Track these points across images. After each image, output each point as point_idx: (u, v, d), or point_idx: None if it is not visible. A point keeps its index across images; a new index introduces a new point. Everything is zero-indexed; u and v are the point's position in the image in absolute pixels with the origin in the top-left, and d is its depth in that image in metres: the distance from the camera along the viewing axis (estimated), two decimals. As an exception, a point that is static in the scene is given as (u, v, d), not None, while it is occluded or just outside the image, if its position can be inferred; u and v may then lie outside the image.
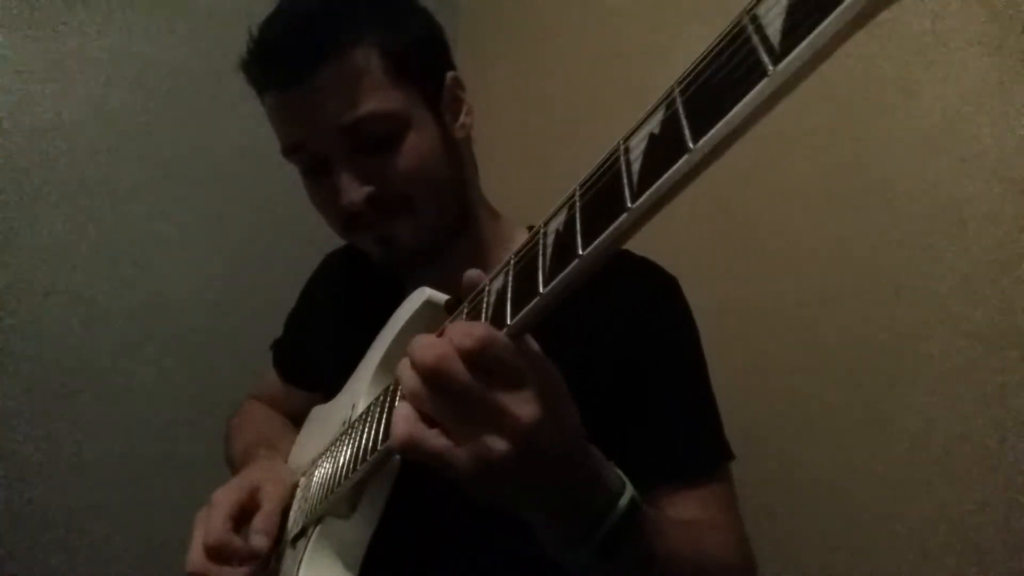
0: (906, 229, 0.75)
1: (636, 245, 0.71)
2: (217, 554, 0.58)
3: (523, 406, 0.37)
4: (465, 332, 0.37)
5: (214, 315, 1.21)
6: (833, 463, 0.81)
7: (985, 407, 0.69)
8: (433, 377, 0.37)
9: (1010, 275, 0.68)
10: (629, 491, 0.45)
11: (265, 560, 0.61)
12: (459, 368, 0.36)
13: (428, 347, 0.37)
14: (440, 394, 0.37)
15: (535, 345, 0.41)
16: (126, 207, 1.12)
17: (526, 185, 1.07)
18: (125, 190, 1.12)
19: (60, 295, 1.09)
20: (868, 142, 0.79)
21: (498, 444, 0.37)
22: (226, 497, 0.61)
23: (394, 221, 0.67)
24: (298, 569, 0.58)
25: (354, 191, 0.65)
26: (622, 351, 0.64)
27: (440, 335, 0.39)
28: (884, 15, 0.72)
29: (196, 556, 0.59)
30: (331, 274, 0.88)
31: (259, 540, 0.59)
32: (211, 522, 0.59)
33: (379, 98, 0.63)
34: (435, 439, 0.38)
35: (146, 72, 1.10)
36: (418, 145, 0.65)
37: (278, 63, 0.63)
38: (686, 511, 0.61)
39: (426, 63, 0.68)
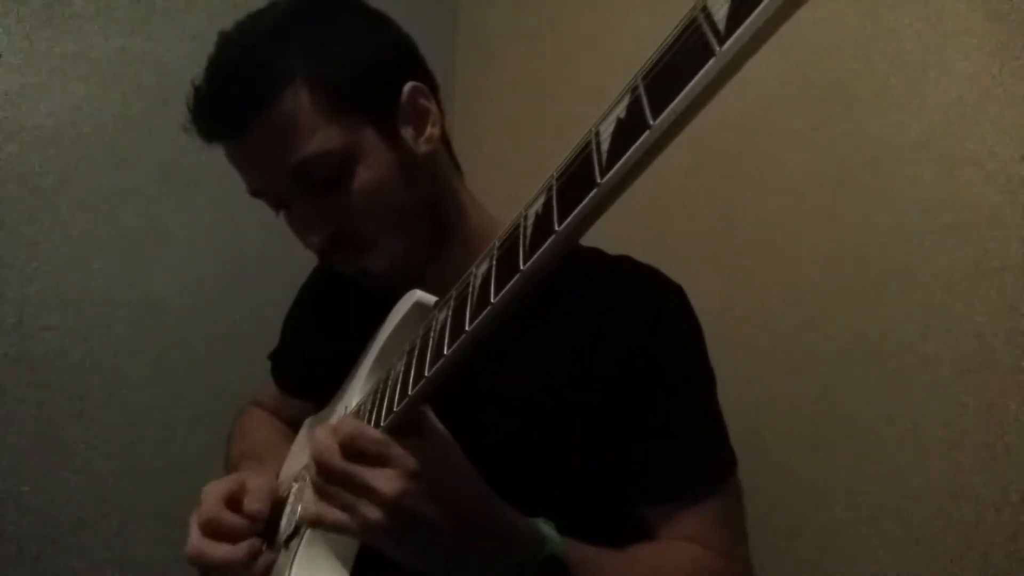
0: (906, 229, 0.78)
1: (638, 246, 0.75)
2: (213, 530, 0.62)
3: (385, 482, 0.47)
4: (336, 428, 0.50)
5: (214, 315, 1.25)
6: (832, 463, 0.83)
7: (985, 407, 0.71)
8: (319, 462, 0.50)
9: (1010, 275, 0.71)
10: (549, 547, 0.53)
11: (260, 542, 0.64)
12: (333, 456, 0.49)
13: (318, 439, 0.51)
14: (326, 474, 0.50)
15: (433, 424, 0.52)
16: (125, 207, 1.17)
17: (527, 182, 1.11)
18: (125, 191, 1.16)
19: (59, 295, 1.12)
20: (868, 142, 0.82)
21: (372, 513, 0.48)
22: (215, 487, 0.64)
23: (362, 257, 0.69)
24: (291, 568, 0.61)
25: (312, 234, 0.67)
26: (624, 360, 0.66)
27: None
28: (884, 15, 0.76)
29: (194, 539, 0.62)
30: (321, 284, 0.90)
31: (255, 506, 0.63)
32: (204, 506, 0.62)
33: (317, 139, 0.63)
34: (332, 512, 0.50)
35: (146, 72, 1.16)
36: (369, 179, 0.65)
37: (212, 121, 0.65)
38: (675, 531, 0.64)
39: (371, 84, 0.66)
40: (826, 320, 0.85)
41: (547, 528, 0.55)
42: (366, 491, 0.48)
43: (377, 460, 0.49)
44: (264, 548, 0.64)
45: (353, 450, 0.49)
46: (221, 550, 0.61)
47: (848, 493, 0.82)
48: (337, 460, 0.49)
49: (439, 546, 0.49)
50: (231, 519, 0.62)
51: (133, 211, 1.18)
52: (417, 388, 0.48)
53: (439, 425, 0.53)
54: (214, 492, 0.64)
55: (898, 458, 0.78)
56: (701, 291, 0.74)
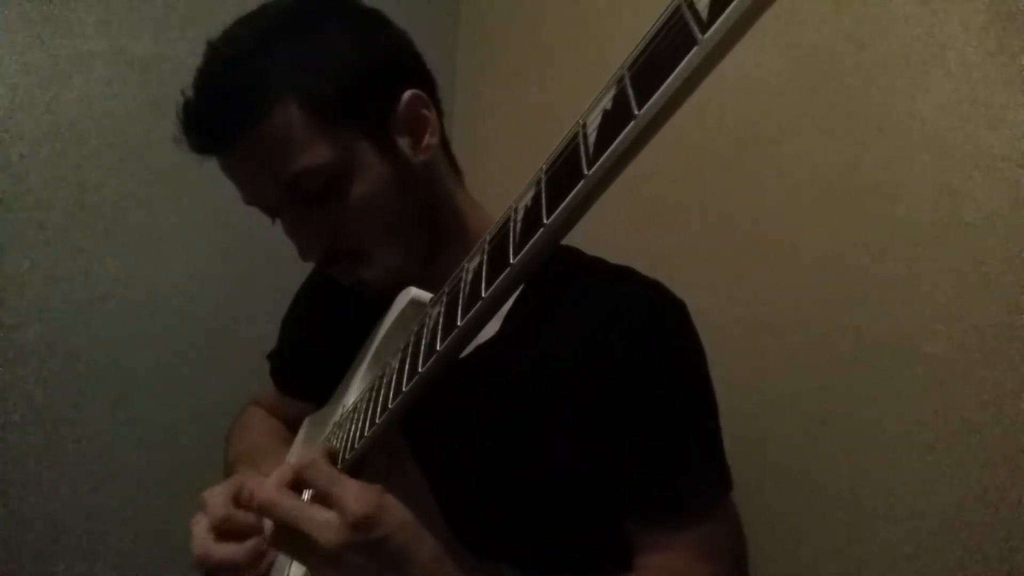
0: (905, 229, 0.78)
1: (638, 247, 0.75)
2: (224, 528, 0.61)
3: (324, 532, 0.47)
4: (296, 461, 0.51)
5: (214, 315, 1.26)
6: (832, 464, 0.83)
7: (985, 407, 0.71)
8: (262, 504, 0.51)
9: (1010, 275, 0.70)
10: None
11: (263, 540, 0.64)
12: (278, 500, 0.50)
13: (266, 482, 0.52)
14: (273, 516, 0.51)
15: (403, 464, 0.54)
16: (125, 208, 1.18)
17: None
18: (125, 190, 1.17)
19: (59, 295, 1.13)
20: (868, 142, 0.82)
21: (310, 559, 0.49)
22: (216, 490, 0.64)
23: (358, 268, 0.69)
24: (290, 567, 0.61)
25: (307, 247, 0.67)
26: (620, 372, 0.65)
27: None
28: (884, 15, 0.76)
29: (200, 539, 0.61)
30: (319, 284, 0.90)
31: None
32: (211, 508, 0.62)
33: (307, 154, 0.62)
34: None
35: (146, 72, 1.17)
36: (363, 192, 0.64)
37: (202, 136, 0.64)
38: (655, 556, 0.63)
39: (364, 95, 0.65)
40: (825, 320, 0.85)
41: (502, 571, 0.56)
42: (310, 533, 0.48)
43: (325, 498, 0.49)
44: (266, 544, 0.64)
45: (303, 482, 0.50)
46: (227, 549, 0.61)
47: (848, 494, 0.82)
48: (281, 506, 0.50)
49: None
50: (242, 516, 0.62)
51: (133, 211, 1.19)
52: (411, 385, 0.48)
53: (411, 464, 0.54)
54: (218, 494, 0.64)
55: (899, 459, 0.77)
56: (700, 291, 0.74)
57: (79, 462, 1.15)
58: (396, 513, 0.49)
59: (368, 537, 0.47)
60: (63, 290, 1.14)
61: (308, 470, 0.50)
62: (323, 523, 0.48)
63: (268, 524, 0.56)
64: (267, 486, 0.51)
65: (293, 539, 0.49)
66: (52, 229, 1.13)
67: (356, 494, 0.48)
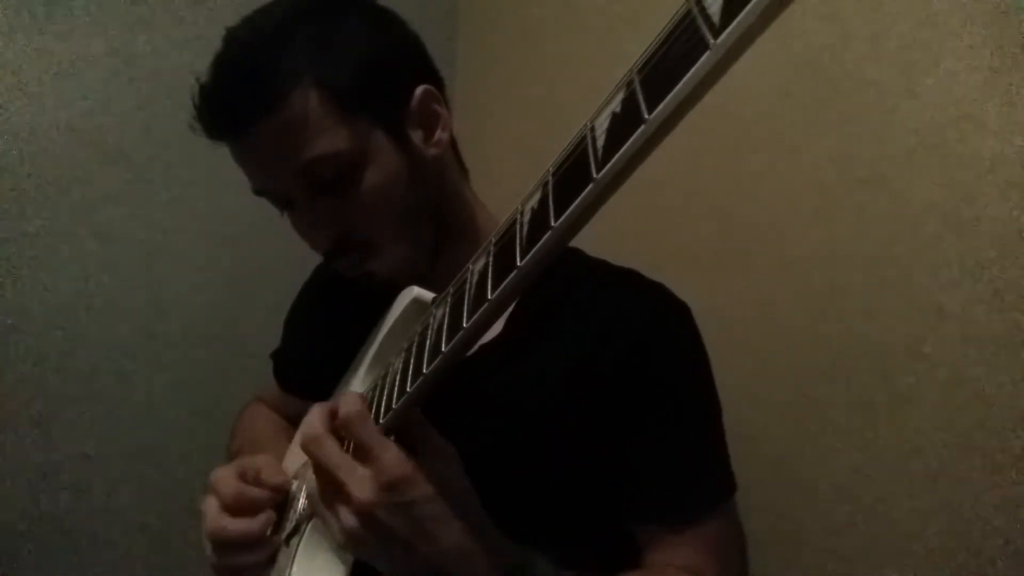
0: (905, 229, 0.78)
1: (638, 248, 0.75)
2: (236, 505, 0.62)
3: (360, 487, 0.46)
4: (341, 403, 0.49)
5: (215, 315, 1.25)
6: (831, 463, 0.83)
7: (984, 407, 0.71)
8: (305, 446, 0.50)
9: (1010, 275, 0.70)
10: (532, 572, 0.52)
11: (275, 515, 0.64)
12: (319, 445, 0.49)
13: (310, 420, 0.50)
14: (314, 464, 0.49)
15: (433, 438, 0.52)
16: (126, 207, 1.17)
17: (528, 182, 1.11)
18: (125, 190, 1.17)
19: (59, 295, 1.13)
20: (867, 142, 0.82)
21: (348, 519, 0.47)
22: (225, 469, 0.64)
23: (367, 260, 0.69)
24: (291, 566, 0.61)
25: (317, 236, 0.67)
26: (623, 373, 0.65)
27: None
28: (883, 16, 0.75)
29: (212, 515, 0.61)
30: (322, 283, 0.91)
31: (277, 479, 0.62)
32: (222, 486, 0.62)
33: (325, 140, 0.62)
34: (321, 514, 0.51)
35: (146, 72, 1.16)
36: (377, 181, 0.65)
37: (218, 119, 0.64)
38: (663, 555, 0.63)
39: (380, 86, 0.66)
40: (823, 320, 0.85)
41: (535, 557, 0.55)
42: (344, 490, 0.47)
43: (364, 454, 0.48)
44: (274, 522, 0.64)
45: (345, 433, 0.49)
46: (241, 524, 0.61)
47: (848, 494, 0.82)
48: (324, 449, 0.49)
49: (415, 562, 0.49)
50: (254, 491, 0.62)
51: (134, 212, 1.18)
52: (415, 385, 0.48)
53: (439, 439, 0.53)
54: (227, 472, 0.64)
55: (898, 459, 0.78)
56: (701, 292, 0.74)
57: (78, 462, 1.15)
58: (428, 484, 0.48)
59: (400, 499, 0.46)
60: (62, 290, 1.13)
61: (355, 423, 0.48)
62: (360, 476, 0.46)
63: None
64: (313, 422, 0.50)
65: (326, 484, 0.49)
66: (52, 229, 1.12)
67: (395, 455, 0.47)
